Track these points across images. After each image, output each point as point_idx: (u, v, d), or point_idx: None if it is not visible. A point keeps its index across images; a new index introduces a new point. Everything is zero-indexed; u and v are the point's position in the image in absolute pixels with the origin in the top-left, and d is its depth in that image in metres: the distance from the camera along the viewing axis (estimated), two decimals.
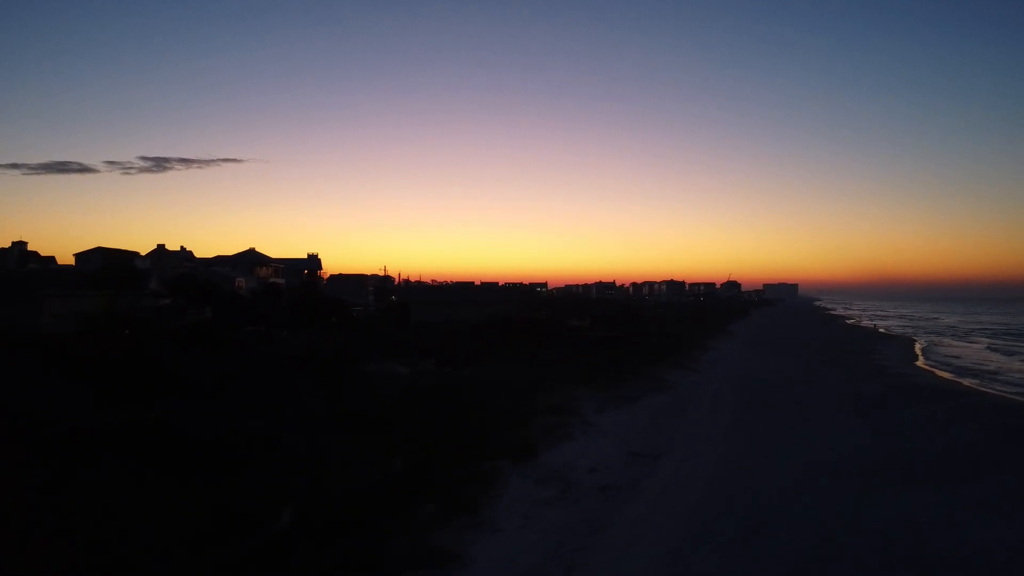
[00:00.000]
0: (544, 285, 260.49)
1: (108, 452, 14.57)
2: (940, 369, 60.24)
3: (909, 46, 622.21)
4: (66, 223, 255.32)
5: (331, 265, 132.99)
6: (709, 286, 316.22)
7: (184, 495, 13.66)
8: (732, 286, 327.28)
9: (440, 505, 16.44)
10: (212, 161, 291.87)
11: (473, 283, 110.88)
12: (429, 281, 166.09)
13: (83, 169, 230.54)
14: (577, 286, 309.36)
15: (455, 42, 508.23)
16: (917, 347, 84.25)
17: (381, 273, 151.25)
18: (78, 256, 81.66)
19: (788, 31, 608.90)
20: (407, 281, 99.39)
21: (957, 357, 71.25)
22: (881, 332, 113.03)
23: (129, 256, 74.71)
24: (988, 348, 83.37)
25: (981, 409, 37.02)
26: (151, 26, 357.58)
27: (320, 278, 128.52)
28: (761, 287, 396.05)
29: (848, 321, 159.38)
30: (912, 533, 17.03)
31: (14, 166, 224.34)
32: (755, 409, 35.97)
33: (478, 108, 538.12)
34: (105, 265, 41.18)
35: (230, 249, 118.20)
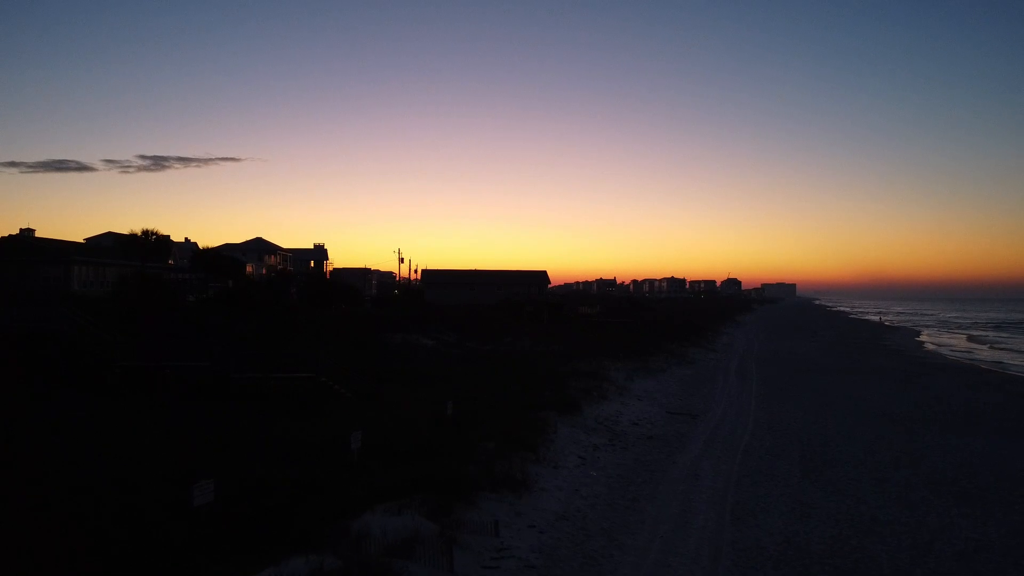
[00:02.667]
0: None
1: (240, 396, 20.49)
2: (947, 352, 62.12)
3: (910, 46, 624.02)
4: (64, 221, 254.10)
5: (332, 259, 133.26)
6: (709, 283, 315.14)
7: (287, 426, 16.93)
8: (733, 284, 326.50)
9: (499, 443, 16.64)
10: (211, 160, 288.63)
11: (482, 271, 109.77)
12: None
13: (81, 167, 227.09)
14: (578, 283, 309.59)
15: (459, 38, 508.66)
16: (922, 336, 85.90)
17: (395, 255, 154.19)
18: (89, 240, 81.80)
19: (788, 31, 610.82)
20: (424, 272, 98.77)
21: (957, 345, 73.95)
22: (886, 324, 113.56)
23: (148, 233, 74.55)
24: (982, 340, 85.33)
25: (993, 380, 40.00)
26: (149, 25, 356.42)
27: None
28: (760, 286, 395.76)
29: (851, 316, 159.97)
30: (963, 470, 18.08)
31: (12, 164, 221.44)
32: (783, 380, 36.48)
33: (477, 105, 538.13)
34: (132, 236, 41.26)
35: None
